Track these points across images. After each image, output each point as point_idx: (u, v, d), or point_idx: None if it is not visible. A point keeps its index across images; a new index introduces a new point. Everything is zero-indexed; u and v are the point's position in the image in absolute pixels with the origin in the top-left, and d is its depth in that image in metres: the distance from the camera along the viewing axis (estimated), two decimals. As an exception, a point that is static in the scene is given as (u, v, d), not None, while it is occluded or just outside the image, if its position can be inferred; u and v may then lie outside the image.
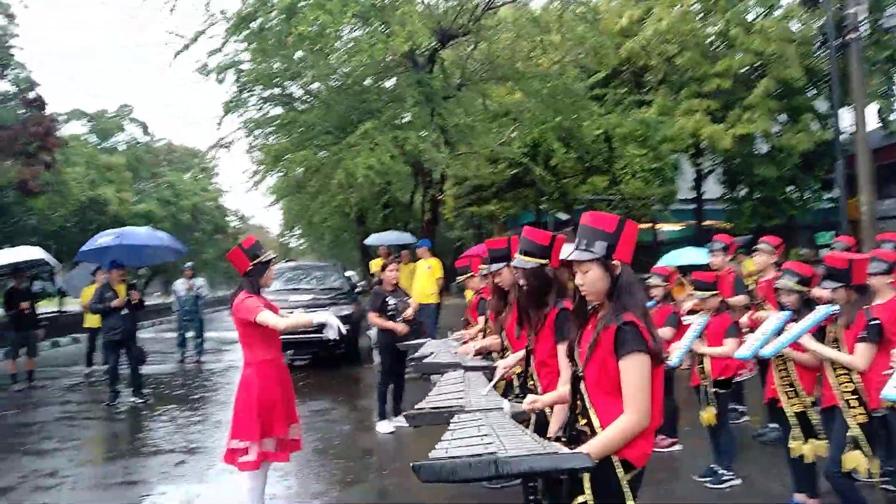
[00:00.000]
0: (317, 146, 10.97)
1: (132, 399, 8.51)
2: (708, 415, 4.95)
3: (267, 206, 33.08)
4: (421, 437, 5.78)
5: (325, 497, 5.00)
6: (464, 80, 11.66)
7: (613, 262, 2.44)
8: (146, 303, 9.82)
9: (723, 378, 4.94)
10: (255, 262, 4.16)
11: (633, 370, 2.32)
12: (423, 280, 10.74)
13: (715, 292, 4.96)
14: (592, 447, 2.29)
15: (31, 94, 17.55)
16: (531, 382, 3.38)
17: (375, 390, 7.11)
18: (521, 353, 3.50)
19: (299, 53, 11.11)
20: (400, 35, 8.98)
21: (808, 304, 4.15)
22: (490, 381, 3.60)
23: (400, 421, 6.97)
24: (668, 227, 22.76)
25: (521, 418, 3.12)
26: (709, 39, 14.05)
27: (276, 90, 12.61)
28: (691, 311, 6.47)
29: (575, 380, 2.56)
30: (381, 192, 14.39)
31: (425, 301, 10.59)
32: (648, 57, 13.83)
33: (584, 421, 2.48)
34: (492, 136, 12.04)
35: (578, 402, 2.54)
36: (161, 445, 6.54)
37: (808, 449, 4.17)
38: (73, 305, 22.29)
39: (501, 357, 4.17)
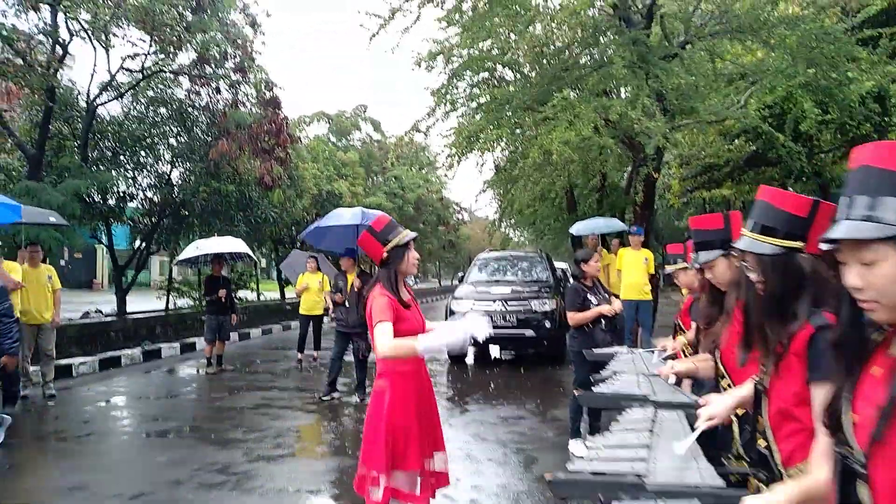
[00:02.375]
0: (514, 123, 10.03)
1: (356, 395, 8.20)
2: None
3: (476, 195, 33.16)
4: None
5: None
6: (689, 37, 9.87)
7: None
8: None
9: None
10: (390, 246, 3.34)
11: None
12: (635, 273, 9.34)
13: None
14: None
15: (268, 95, 18.95)
16: (762, 443, 2.10)
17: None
18: (746, 389, 2.22)
19: (503, 29, 10.33)
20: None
21: None
22: (693, 427, 2.37)
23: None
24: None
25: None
26: None
27: (485, 74, 12.01)
28: None
29: (846, 476, 1.30)
30: (591, 173, 13.00)
31: (637, 297, 9.22)
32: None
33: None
34: (721, 100, 10.08)
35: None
36: (338, 448, 6.12)
37: None
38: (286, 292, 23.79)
39: (715, 389, 2.87)
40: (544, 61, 10.91)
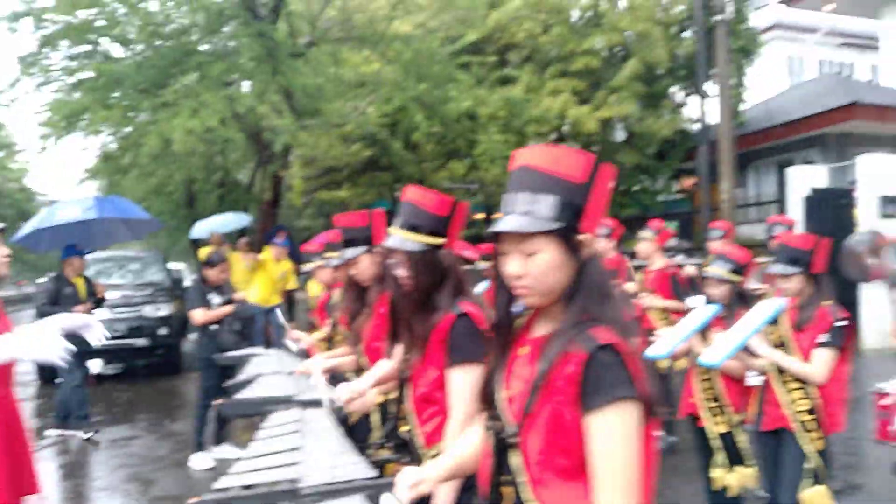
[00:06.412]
0: (126, 106, 8.92)
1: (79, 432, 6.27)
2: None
3: (78, 184, 28.36)
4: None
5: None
6: (314, 39, 10.09)
7: (581, 236, 1.30)
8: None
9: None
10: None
11: (617, 435, 1.20)
12: (271, 276, 9.17)
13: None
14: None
15: None
16: (405, 427, 2.16)
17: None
18: (378, 368, 2.25)
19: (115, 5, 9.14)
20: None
21: (741, 297, 3.37)
22: (344, 421, 2.32)
23: (223, 451, 5.48)
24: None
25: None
26: (578, 15, 13.47)
27: (88, 46, 10.40)
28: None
29: (500, 448, 1.38)
30: (213, 168, 12.35)
31: (275, 303, 9.03)
32: (514, 32, 13.00)
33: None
34: (345, 105, 10.59)
35: (505, 487, 1.37)
36: None
37: (735, 478, 3.37)
38: None
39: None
40: (160, 42, 9.97)
